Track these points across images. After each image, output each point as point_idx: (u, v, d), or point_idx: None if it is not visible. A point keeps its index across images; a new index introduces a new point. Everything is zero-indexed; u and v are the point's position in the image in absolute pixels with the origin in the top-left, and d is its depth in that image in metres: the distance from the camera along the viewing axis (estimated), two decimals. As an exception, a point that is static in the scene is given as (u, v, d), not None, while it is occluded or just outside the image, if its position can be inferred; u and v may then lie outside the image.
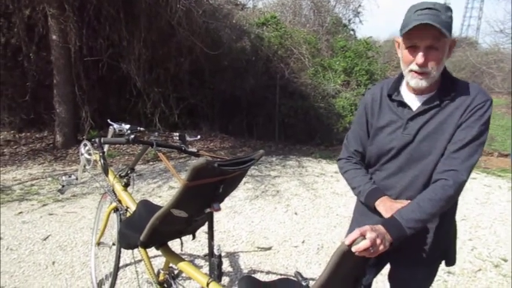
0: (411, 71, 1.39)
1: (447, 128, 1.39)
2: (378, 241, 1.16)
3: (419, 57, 1.33)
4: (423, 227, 1.36)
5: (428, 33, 1.30)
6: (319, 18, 13.15)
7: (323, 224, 4.15)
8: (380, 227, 1.23)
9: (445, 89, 1.42)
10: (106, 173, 2.35)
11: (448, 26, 1.31)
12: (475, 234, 4.04)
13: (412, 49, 1.36)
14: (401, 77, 1.52)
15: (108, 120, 2.32)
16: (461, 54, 21.31)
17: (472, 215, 4.58)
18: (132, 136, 2.12)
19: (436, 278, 3.07)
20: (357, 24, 14.03)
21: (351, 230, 1.69)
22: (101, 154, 2.23)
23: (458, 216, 5.03)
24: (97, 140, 2.22)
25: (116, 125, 2.27)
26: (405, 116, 1.47)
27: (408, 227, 1.28)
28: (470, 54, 21.40)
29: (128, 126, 2.20)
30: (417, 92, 1.46)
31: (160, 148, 2.13)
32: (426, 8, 1.31)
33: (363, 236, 1.14)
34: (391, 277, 1.70)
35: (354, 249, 1.12)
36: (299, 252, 3.52)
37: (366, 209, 1.60)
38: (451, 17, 1.33)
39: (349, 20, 14.21)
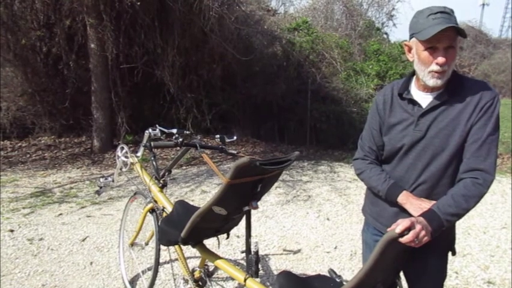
0: (431, 71, 1.45)
1: (458, 125, 1.47)
2: (423, 232, 1.25)
3: (441, 58, 1.42)
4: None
5: (446, 35, 1.39)
6: (352, 22, 13.02)
7: (356, 230, 4.09)
8: (422, 219, 1.31)
9: (453, 86, 1.49)
10: (158, 174, 2.45)
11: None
12: (517, 243, 3.87)
13: (431, 50, 1.43)
14: (410, 77, 1.62)
15: (152, 128, 2.40)
16: (501, 57, 20.46)
17: (513, 223, 4.39)
18: (181, 139, 2.23)
19: (475, 287, 2.96)
20: (390, 27, 13.83)
21: (366, 219, 1.80)
22: (152, 158, 2.39)
23: (498, 224, 4.77)
24: (147, 144, 2.35)
25: (151, 130, 2.37)
26: (416, 113, 1.54)
27: (446, 219, 1.37)
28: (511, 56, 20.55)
29: (175, 130, 2.30)
30: (427, 90, 1.53)
31: (203, 150, 2.23)
32: (438, 12, 1.41)
33: (409, 228, 1.20)
34: (404, 269, 1.70)
35: (402, 239, 1.18)
36: (331, 258, 3.48)
37: (376, 199, 1.68)
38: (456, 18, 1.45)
39: (383, 24, 14.03)
